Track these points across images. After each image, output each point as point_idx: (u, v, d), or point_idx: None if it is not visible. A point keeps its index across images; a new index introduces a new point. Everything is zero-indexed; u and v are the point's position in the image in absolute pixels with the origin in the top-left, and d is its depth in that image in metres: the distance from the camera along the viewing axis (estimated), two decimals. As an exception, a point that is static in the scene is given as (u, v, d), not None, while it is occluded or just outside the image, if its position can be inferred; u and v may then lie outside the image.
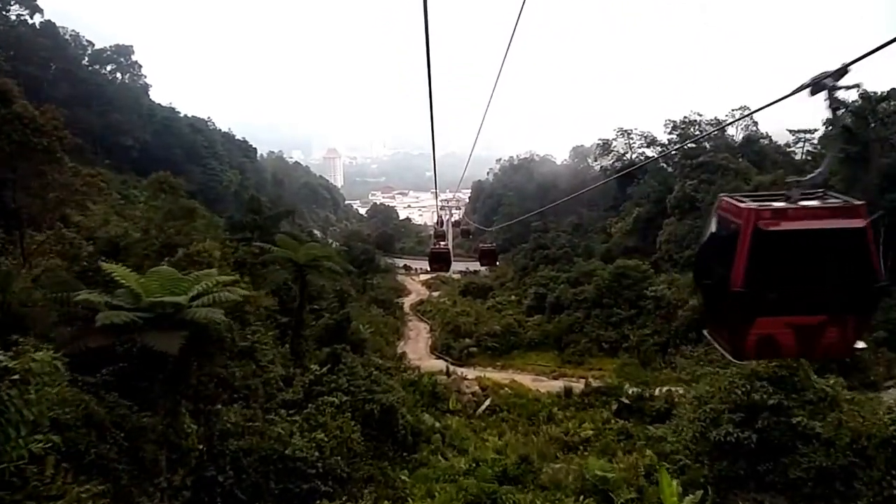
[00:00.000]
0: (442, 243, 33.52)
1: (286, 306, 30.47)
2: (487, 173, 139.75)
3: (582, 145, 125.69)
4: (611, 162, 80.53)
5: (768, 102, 3.90)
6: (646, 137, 76.69)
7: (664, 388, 25.79)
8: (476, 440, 23.45)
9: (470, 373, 36.93)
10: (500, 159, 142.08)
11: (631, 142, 78.70)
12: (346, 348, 19.98)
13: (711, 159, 47.17)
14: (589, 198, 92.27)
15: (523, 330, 41.16)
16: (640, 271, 37.73)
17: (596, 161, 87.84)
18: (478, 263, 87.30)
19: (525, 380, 34.86)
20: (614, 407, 25.54)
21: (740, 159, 48.22)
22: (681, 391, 24.86)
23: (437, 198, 51.63)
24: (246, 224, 32.62)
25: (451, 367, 35.97)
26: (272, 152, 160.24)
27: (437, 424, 25.24)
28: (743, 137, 55.55)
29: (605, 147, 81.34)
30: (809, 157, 49.29)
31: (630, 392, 26.34)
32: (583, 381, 33.53)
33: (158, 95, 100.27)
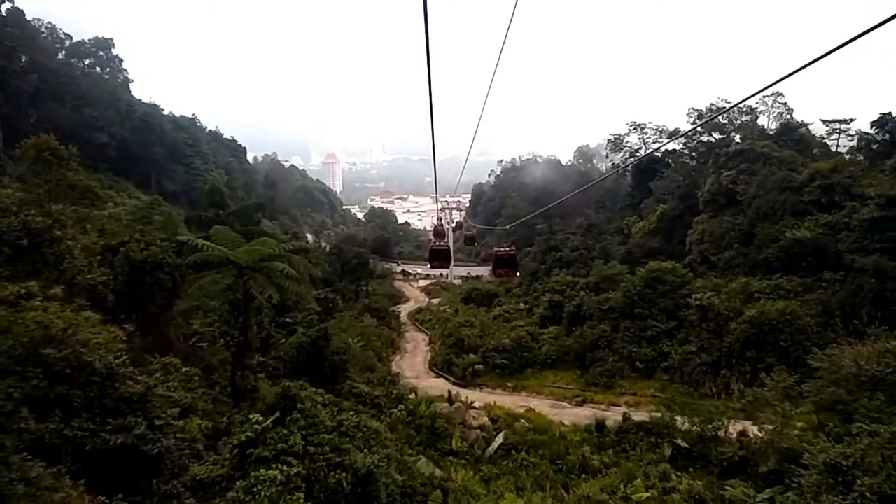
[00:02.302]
0: (442, 241, 31.59)
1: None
2: (488, 175, 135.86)
3: (587, 145, 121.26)
4: (623, 158, 74.81)
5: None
6: (661, 131, 70.97)
7: (731, 425, 19.82)
8: (489, 502, 17.56)
9: (475, 395, 31.09)
10: (501, 161, 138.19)
11: (645, 136, 72.95)
12: (303, 385, 14.04)
13: (750, 147, 41.31)
14: (597, 198, 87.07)
15: (537, 344, 35.15)
16: (677, 275, 31.71)
17: (607, 158, 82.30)
18: (482, 269, 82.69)
19: (542, 406, 28.95)
20: (668, 451, 19.58)
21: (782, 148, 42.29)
22: (756, 430, 18.99)
23: (436, 195, 46.23)
24: (205, 220, 26.77)
25: (454, 391, 30.01)
26: (267, 155, 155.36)
27: (437, 473, 19.38)
28: (780, 125, 49.79)
29: (617, 143, 75.58)
30: (859, 147, 43.18)
31: (685, 429, 20.42)
32: (614, 408, 27.67)
33: (156, 98, 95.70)
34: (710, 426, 19.41)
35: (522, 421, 25.11)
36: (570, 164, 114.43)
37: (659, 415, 21.73)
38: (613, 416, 25.82)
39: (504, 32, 7.30)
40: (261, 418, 12.27)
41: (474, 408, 26.89)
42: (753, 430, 19.28)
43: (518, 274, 21.96)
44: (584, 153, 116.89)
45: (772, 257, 32.09)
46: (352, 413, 17.40)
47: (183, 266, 14.27)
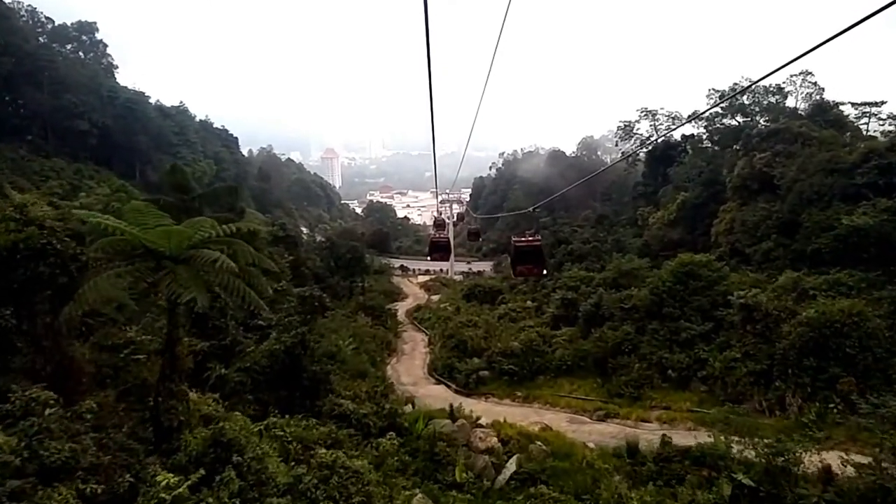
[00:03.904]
0: (442, 233, 28.62)
1: (210, 324, 20.86)
2: (490, 168, 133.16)
3: (591, 136, 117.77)
4: (634, 146, 70.68)
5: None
6: (674, 118, 66.82)
7: (802, 455, 15.71)
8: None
9: (480, 406, 27.28)
10: (503, 153, 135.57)
11: (657, 123, 68.72)
12: (246, 424, 9.99)
13: (786, 126, 37.15)
14: (602, 190, 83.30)
15: (550, 348, 31.15)
16: (713, 269, 27.64)
17: (616, 146, 78.33)
18: (484, 264, 79.03)
19: (558, 420, 25.02)
20: (727, 490, 15.53)
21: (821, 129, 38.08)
22: (838, 462, 14.95)
23: (436, 184, 42.55)
24: (165, 206, 22.57)
25: (457, 402, 25.96)
26: (263, 148, 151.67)
27: (437, 515, 15.47)
28: (812, 106, 45.57)
29: (627, 130, 71.35)
30: None
31: (743, 458, 16.37)
32: (644, 425, 23.74)
33: (154, 94, 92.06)
34: (780, 458, 15.33)
35: (539, 443, 21.04)
36: (573, 155, 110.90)
37: (710, 439, 17.67)
38: (646, 436, 21.84)
39: (500, 27, 7.42)
40: (173, 480, 8.23)
41: (481, 426, 22.84)
42: (829, 455, 15.29)
43: (545, 272, 16.40)
44: (587, 144, 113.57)
45: (825, 248, 27.94)
46: (326, 450, 13.43)
47: (82, 256, 10.23)
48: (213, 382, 18.10)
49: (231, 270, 9.49)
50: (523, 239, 13.91)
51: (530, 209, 18.33)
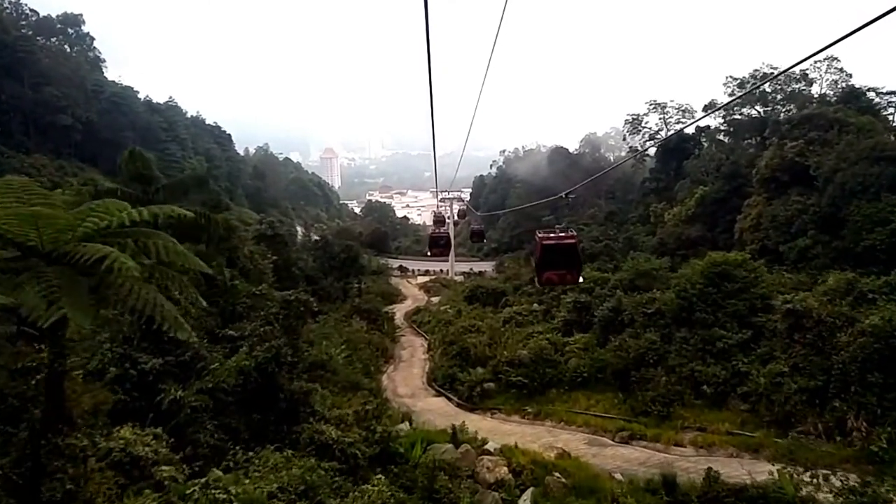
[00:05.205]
0: (442, 228, 25.90)
1: (165, 336, 17.68)
2: (490, 166, 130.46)
3: (594, 133, 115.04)
4: (642, 140, 67.70)
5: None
6: (685, 110, 63.85)
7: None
8: None
9: (485, 423, 24.37)
10: (503, 151, 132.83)
11: (666, 116, 65.75)
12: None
13: (819, 112, 34.03)
14: (607, 188, 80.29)
15: (562, 357, 28.00)
16: (749, 270, 24.44)
17: (624, 140, 75.33)
18: (485, 264, 76.22)
19: (576, 442, 21.89)
20: (802, 548, 12.37)
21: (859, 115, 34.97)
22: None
23: (436, 179, 39.48)
24: (123, 198, 19.42)
25: (459, 420, 22.74)
26: (260, 147, 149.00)
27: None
28: (843, 92, 42.46)
29: (636, 123, 68.35)
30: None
31: (818, 500, 13.21)
32: (677, 450, 20.51)
33: (156, 92, 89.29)
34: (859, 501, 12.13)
35: (557, 474, 17.84)
36: (576, 153, 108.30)
37: (772, 475, 14.46)
38: (681, 465, 18.73)
39: (498, 25, 7.51)
40: None
41: (488, 451, 19.64)
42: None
43: (582, 279, 13.22)
44: (591, 142, 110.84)
45: (880, 245, 24.75)
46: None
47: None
48: (167, 408, 14.95)
49: (128, 274, 6.31)
50: (552, 235, 10.79)
51: (562, 194, 14.87)
